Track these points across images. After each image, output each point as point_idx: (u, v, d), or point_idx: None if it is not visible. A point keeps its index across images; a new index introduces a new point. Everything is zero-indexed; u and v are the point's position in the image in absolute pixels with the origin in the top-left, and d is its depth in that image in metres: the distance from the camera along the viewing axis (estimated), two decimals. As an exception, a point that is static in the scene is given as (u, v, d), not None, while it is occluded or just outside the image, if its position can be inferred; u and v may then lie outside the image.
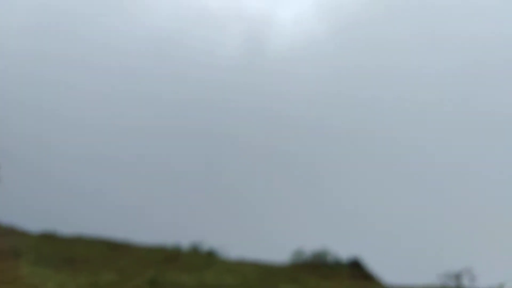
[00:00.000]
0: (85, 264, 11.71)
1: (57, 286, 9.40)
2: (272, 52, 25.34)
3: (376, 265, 13.73)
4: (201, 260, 13.39)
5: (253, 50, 25.56)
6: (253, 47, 25.61)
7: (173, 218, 18.30)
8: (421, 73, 21.22)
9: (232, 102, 23.20)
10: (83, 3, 26.38)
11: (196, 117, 23.10)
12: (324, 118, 21.55)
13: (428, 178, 18.41)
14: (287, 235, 17.02)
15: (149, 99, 23.71)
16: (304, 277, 12.09)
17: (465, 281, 11.11)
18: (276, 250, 14.38)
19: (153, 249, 14.23)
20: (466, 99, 20.55)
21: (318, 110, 21.97)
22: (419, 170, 18.89)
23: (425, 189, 17.79)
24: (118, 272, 10.93)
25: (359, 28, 23.65)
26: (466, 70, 21.31)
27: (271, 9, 27.83)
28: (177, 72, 24.55)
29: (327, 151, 20.76)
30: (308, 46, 24.84)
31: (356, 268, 13.80)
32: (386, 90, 21.20)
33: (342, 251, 13.93)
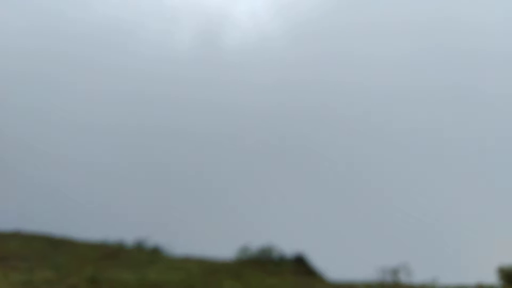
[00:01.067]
0: (21, 261, 11.24)
1: (-12, 285, 8.96)
2: (227, 45, 25.24)
3: (320, 261, 14.01)
4: (144, 257, 13.18)
5: (208, 44, 25.36)
6: (208, 41, 25.41)
7: (117, 214, 17.90)
8: (376, 61, 21.73)
9: (185, 94, 22.90)
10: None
11: (148, 111, 22.66)
12: (278, 109, 21.71)
13: (368, 174, 18.97)
14: (234, 231, 17.06)
15: (99, 91, 23.01)
16: (248, 273, 12.14)
17: (402, 276, 11.52)
18: (222, 247, 14.37)
19: (95, 245, 13.87)
20: (421, 86, 21.19)
21: (272, 102, 22.12)
22: (362, 164, 19.41)
23: (364, 185, 18.35)
24: (56, 269, 10.55)
25: (313, 22, 24.00)
26: (422, 55, 21.97)
27: (226, 3, 27.71)
28: (129, 63, 23.95)
29: (280, 144, 20.91)
30: (262, 40, 24.94)
31: (300, 264, 14.02)
32: (341, 79, 21.63)
33: (288, 247, 14.11)
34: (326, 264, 13.70)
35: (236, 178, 20.19)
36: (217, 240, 16.52)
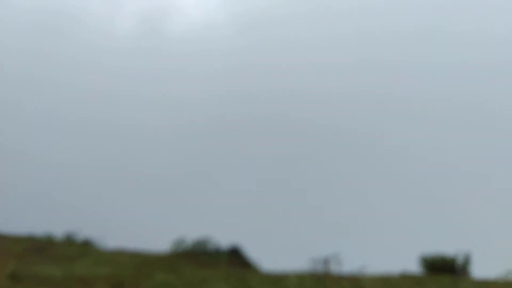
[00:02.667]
0: None
1: None
2: (171, 34, 24.67)
3: (255, 253, 14.15)
4: (74, 251, 12.72)
5: (151, 31, 24.65)
6: (152, 28, 24.70)
7: (47, 207, 17.16)
8: (323, 49, 22.05)
9: (126, 86, 22.22)
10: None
11: (87, 101, 21.81)
12: (223, 100, 21.60)
13: (303, 166, 19.38)
14: (169, 224, 16.86)
15: (39, 78, 21.81)
16: (182, 266, 12.04)
17: (332, 266, 11.87)
18: (158, 240, 14.17)
19: (21, 239, 13.22)
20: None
21: (217, 91, 21.95)
22: (296, 155, 19.80)
23: (298, 177, 18.75)
24: (-26, 266, 9.94)
25: (259, 10, 24.00)
26: (364, 36, 22.42)
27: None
28: (68, 50, 22.85)
29: (224, 138, 20.84)
30: (207, 29, 24.61)
31: (235, 256, 14.09)
32: (287, 67, 21.82)
33: (223, 239, 14.14)
34: (261, 255, 13.87)
35: (172, 170, 19.95)
36: (152, 233, 16.28)
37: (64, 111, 21.62)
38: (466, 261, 11.48)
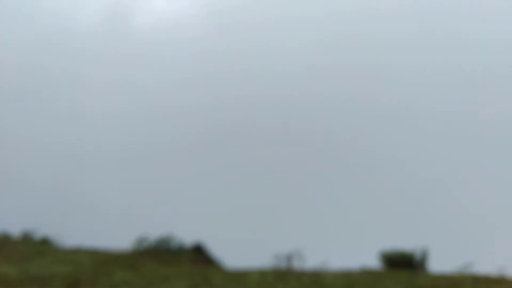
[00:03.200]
0: None
1: None
2: (137, 21, 24.10)
3: (219, 250, 14.11)
4: (31, 249, 12.39)
5: (118, 21, 24.04)
6: (118, 18, 24.10)
7: (3, 205, 16.58)
8: (295, 52, 22.01)
9: (92, 71, 21.56)
10: None
11: (51, 87, 21.07)
12: (188, 92, 21.36)
13: (268, 162, 19.42)
14: (131, 222, 16.60)
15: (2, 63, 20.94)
16: (144, 264, 11.88)
17: (295, 262, 11.96)
18: (119, 238, 13.92)
19: (-26, 238, 12.76)
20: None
21: (183, 81, 21.65)
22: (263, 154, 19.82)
23: (262, 172, 18.78)
24: None
25: (232, 12, 23.84)
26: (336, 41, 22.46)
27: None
28: (32, 34, 22.00)
29: (190, 131, 20.59)
30: (176, 17, 24.20)
31: (198, 253, 14.02)
32: (256, 69, 21.76)
33: (187, 236, 14.03)
34: (225, 252, 13.84)
35: (134, 166, 19.63)
36: (114, 231, 15.98)
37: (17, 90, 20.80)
38: (424, 256, 11.78)
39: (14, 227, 13.89)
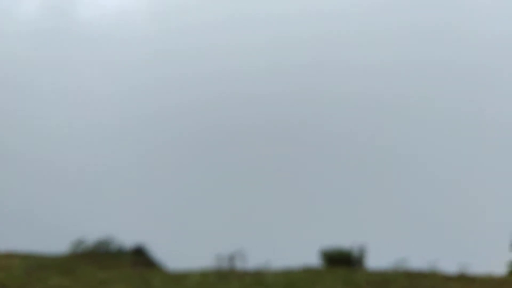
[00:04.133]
0: None
1: None
2: (81, 17, 23.19)
3: (160, 252, 13.87)
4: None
5: (59, 15, 22.99)
6: (59, 11, 23.05)
7: None
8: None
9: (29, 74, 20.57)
10: None
11: None
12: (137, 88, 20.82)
13: (207, 165, 19.36)
14: (69, 224, 15.99)
15: None
16: (81, 268, 11.45)
17: (237, 262, 11.96)
18: (55, 242, 13.36)
19: None
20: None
21: (131, 80, 21.08)
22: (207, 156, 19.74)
23: (202, 174, 18.72)
24: None
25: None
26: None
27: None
28: None
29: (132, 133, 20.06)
30: (120, 13, 23.51)
31: (139, 256, 13.70)
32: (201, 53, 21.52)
33: (127, 239, 13.69)
34: (167, 254, 13.62)
35: (69, 168, 18.97)
36: (49, 234, 15.32)
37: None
38: (362, 253, 12.15)
39: None
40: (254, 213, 17.21)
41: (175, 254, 13.81)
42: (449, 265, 11.18)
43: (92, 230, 13.41)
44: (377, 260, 12.22)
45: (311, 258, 12.12)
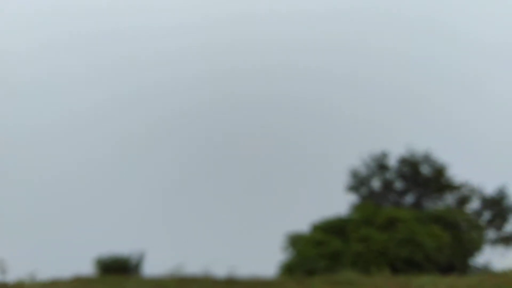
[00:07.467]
0: None
1: None
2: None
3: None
4: None
5: None
6: None
7: None
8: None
9: None
10: None
11: None
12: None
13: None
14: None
15: None
16: None
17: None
18: None
19: None
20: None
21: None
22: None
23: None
24: None
25: None
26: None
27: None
28: None
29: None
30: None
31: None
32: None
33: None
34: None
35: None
36: None
37: None
38: (139, 261, 12.10)
39: None
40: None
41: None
42: (224, 269, 11.81)
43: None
44: (160, 266, 12.28)
45: (86, 267, 11.60)
